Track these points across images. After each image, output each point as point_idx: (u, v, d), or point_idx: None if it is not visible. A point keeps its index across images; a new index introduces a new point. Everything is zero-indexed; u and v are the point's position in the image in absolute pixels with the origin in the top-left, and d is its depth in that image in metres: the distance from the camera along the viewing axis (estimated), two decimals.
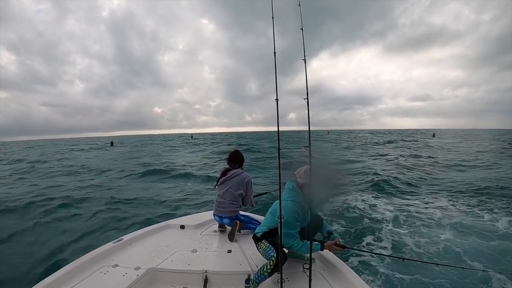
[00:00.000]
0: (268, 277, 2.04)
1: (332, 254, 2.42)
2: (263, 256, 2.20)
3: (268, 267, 2.04)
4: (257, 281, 2.05)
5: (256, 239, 2.30)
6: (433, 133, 59.61)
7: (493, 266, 4.10)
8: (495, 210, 6.66)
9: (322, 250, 2.12)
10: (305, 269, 1.58)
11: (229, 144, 39.62)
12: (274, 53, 1.87)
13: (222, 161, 17.69)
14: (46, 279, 2.02)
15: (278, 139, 1.84)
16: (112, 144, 39.94)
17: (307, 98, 1.88)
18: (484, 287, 3.60)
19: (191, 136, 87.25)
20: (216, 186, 3.24)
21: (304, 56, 2.03)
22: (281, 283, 1.61)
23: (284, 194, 2.19)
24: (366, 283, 2.00)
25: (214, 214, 3.21)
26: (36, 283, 1.97)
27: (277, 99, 1.90)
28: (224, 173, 3.17)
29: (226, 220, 3.11)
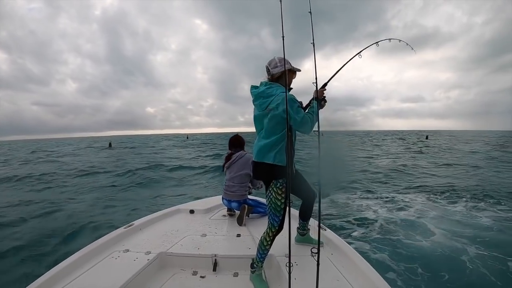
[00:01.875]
0: (270, 248, 1.99)
1: (341, 239, 2.44)
2: (268, 204, 1.97)
3: (268, 239, 1.97)
4: (261, 259, 1.99)
5: (279, 172, 1.91)
6: (426, 135, 60.13)
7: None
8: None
9: (322, 102, 1.98)
10: (313, 254, 1.58)
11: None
12: (283, 37, 1.82)
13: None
14: (58, 265, 2.07)
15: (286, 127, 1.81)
16: (110, 145, 38.47)
17: (316, 83, 1.85)
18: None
19: (187, 136, 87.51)
20: (223, 172, 3.31)
21: (313, 40, 1.98)
22: (289, 267, 1.62)
23: (270, 91, 1.94)
24: (374, 268, 2.01)
25: (222, 198, 3.28)
26: (49, 269, 2.01)
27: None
28: (228, 157, 3.24)
29: (234, 204, 3.15)
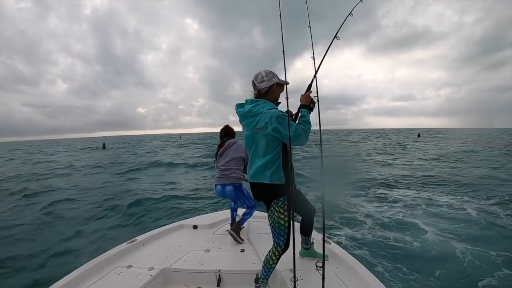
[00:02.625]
0: (275, 266, 1.96)
1: (346, 252, 2.40)
2: (271, 224, 1.92)
3: (274, 258, 1.93)
4: (266, 276, 1.97)
5: (280, 190, 1.84)
6: (418, 133, 61.43)
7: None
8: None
9: (311, 105, 1.95)
10: (318, 268, 1.56)
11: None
12: (283, 51, 1.86)
13: None
14: (60, 280, 2.05)
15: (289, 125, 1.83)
16: (104, 146, 38.41)
17: (317, 97, 1.88)
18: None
19: (180, 136, 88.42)
20: (215, 160, 3.31)
21: (313, 53, 2.00)
22: (294, 281, 1.60)
23: (256, 109, 1.86)
24: (380, 280, 1.98)
25: (216, 185, 3.21)
26: (51, 284, 1.99)
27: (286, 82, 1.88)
28: (221, 145, 3.25)
29: (229, 188, 3.11)
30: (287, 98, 1.82)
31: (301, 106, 1.96)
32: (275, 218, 1.87)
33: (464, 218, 6.06)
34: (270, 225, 1.95)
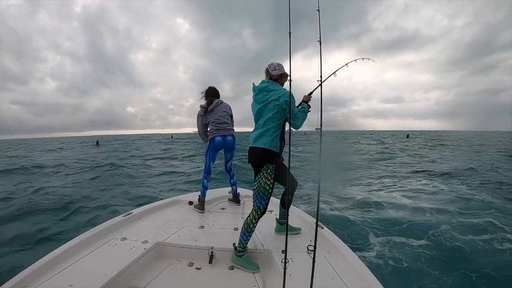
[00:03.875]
0: (254, 230, 2.18)
1: (337, 238, 2.44)
2: (256, 188, 2.15)
3: (254, 221, 2.15)
4: (246, 242, 2.17)
5: (272, 157, 2.13)
6: (407, 134, 62.59)
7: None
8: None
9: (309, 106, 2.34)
10: (310, 251, 1.59)
11: None
12: (289, 33, 1.81)
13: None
14: (56, 250, 2.08)
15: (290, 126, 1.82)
16: (97, 143, 39.19)
17: (321, 80, 1.86)
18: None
19: (171, 136, 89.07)
20: (202, 116, 3.37)
21: (320, 38, 2.00)
22: (285, 263, 1.63)
23: (271, 86, 2.21)
24: (368, 268, 2.02)
25: (214, 137, 3.29)
26: (46, 254, 2.03)
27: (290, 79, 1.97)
28: (210, 102, 3.35)
29: (229, 138, 3.33)
30: (290, 81, 1.99)
31: (303, 101, 2.38)
32: (262, 183, 2.12)
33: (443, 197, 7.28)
34: (254, 189, 2.17)
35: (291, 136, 1.87)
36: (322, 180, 1.67)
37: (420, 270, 3.65)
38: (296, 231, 2.64)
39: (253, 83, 2.34)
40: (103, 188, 8.98)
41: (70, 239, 2.26)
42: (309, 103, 2.37)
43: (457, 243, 4.28)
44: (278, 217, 2.70)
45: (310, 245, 1.61)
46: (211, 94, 3.44)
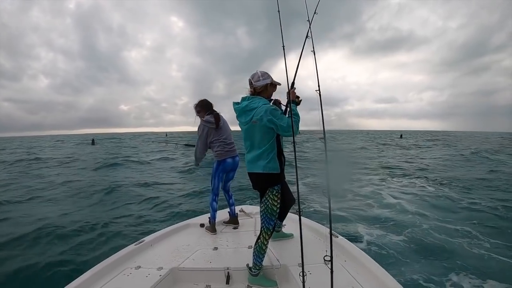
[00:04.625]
0: (266, 251, 2.12)
1: (353, 245, 2.40)
2: (263, 210, 2.08)
3: (266, 243, 2.10)
4: (261, 263, 2.12)
5: (275, 179, 2.03)
6: (401, 134, 63.22)
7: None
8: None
9: (297, 100, 2.13)
10: (326, 262, 1.56)
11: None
12: (283, 46, 1.86)
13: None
14: (72, 282, 2.07)
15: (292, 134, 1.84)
16: (93, 142, 38.82)
17: (319, 90, 1.88)
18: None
19: (166, 134, 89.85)
20: (213, 130, 3.10)
21: (313, 48, 2.05)
22: (303, 276, 1.60)
23: (252, 104, 2.04)
24: (388, 272, 1.98)
25: (225, 159, 3.11)
26: (64, 285, 2.01)
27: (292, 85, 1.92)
28: (217, 117, 3.10)
29: (237, 159, 3.25)
30: (289, 90, 2.02)
31: (288, 102, 2.12)
32: (269, 204, 2.05)
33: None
34: (261, 211, 2.10)
35: (295, 151, 1.85)
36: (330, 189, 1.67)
37: (397, 258, 4.17)
38: (289, 237, 2.77)
39: (233, 102, 2.20)
40: None
41: (84, 272, 2.25)
42: (295, 99, 2.13)
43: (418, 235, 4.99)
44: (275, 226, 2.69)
45: (326, 255, 1.59)
46: (210, 106, 3.20)
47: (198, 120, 3.19)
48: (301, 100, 2.17)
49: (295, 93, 2.14)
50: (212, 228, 3.17)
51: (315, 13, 2.29)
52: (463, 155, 19.01)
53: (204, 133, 3.08)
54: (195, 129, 3.25)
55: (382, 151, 24.37)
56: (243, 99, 2.13)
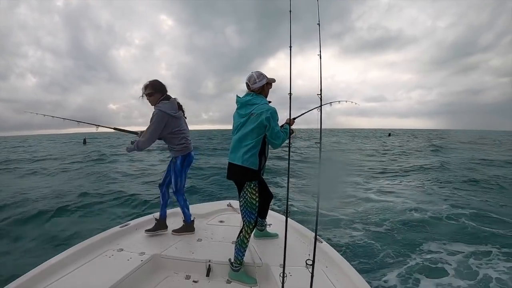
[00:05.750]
0: (247, 245, 2.17)
1: (336, 252, 2.42)
2: (243, 204, 2.13)
3: (247, 236, 2.14)
4: (242, 257, 2.15)
5: (251, 175, 2.09)
6: (389, 133, 63.00)
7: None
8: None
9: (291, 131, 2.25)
10: (308, 265, 1.57)
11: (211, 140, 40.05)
12: (290, 47, 1.84)
13: None
14: (52, 258, 2.07)
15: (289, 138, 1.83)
16: (84, 142, 39.14)
17: (320, 94, 1.87)
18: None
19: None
20: (174, 119, 2.66)
21: (320, 52, 2.03)
22: (283, 277, 1.61)
23: (254, 100, 2.14)
24: (368, 283, 1.99)
25: (189, 153, 2.81)
26: (42, 262, 2.01)
27: (290, 94, 1.96)
28: (180, 104, 2.76)
29: (193, 153, 2.91)
30: (290, 94, 1.98)
31: (286, 123, 2.31)
32: (248, 198, 2.12)
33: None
34: (241, 205, 2.17)
35: (290, 150, 1.86)
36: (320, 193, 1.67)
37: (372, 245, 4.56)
38: (274, 237, 2.78)
39: (237, 95, 2.28)
40: None
41: (66, 249, 2.24)
42: (292, 128, 2.28)
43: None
44: (257, 225, 2.72)
45: (308, 259, 1.59)
46: (165, 90, 2.70)
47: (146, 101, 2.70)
48: (294, 134, 2.29)
49: (294, 122, 2.39)
50: (191, 226, 2.89)
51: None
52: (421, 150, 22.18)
53: (164, 123, 2.56)
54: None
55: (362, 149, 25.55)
56: (247, 94, 2.23)
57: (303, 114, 2.67)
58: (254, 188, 2.11)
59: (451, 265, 3.93)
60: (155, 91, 2.63)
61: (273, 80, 2.27)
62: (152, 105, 2.65)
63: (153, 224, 2.81)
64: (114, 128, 2.84)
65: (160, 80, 2.72)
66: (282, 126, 2.28)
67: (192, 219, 2.91)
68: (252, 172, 2.09)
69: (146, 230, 2.75)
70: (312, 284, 1.51)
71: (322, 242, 2.56)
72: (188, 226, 2.87)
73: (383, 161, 16.01)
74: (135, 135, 2.78)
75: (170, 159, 2.85)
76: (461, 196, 7.57)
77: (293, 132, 2.27)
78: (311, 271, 1.55)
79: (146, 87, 2.63)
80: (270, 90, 2.30)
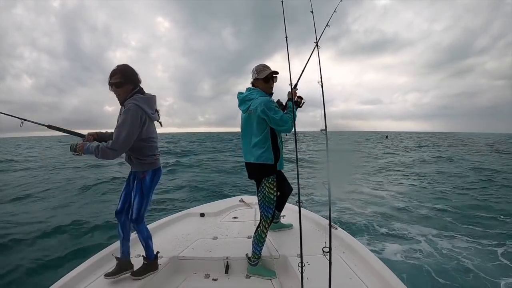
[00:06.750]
0: (265, 240, 2.17)
1: (352, 237, 2.42)
2: (261, 199, 2.15)
3: (265, 231, 2.14)
4: (260, 252, 2.16)
5: (268, 170, 2.10)
6: (386, 135, 64.96)
7: None
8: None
9: (299, 100, 2.19)
10: (325, 253, 1.57)
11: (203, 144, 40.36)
12: (286, 37, 1.83)
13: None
14: (72, 271, 2.08)
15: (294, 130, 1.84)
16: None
17: (321, 82, 1.86)
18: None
19: None
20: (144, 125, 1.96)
21: (316, 39, 2.03)
22: (302, 266, 1.61)
23: (251, 95, 2.16)
24: (386, 264, 1.99)
25: (160, 167, 2.14)
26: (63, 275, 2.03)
27: (291, 84, 2.01)
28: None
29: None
30: (290, 84, 2.08)
31: (288, 100, 2.22)
32: (266, 193, 2.12)
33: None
34: (259, 200, 2.18)
35: (297, 142, 1.86)
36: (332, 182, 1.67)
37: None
38: (288, 227, 2.83)
39: (239, 92, 2.29)
40: None
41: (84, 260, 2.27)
42: (295, 99, 2.15)
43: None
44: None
45: (325, 246, 1.59)
46: (137, 80, 1.98)
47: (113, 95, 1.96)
48: (304, 102, 2.22)
49: (296, 93, 2.22)
50: (155, 263, 2.15)
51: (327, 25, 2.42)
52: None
53: (141, 123, 1.89)
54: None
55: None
56: (246, 89, 2.25)
57: (302, 72, 2.38)
58: (271, 182, 2.11)
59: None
60: (125, 80, 1.90)
61: (276, 72, 2.22)
62: (119, 100, 1.95)
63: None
64: (49, 126, 2.06)
65: (134, 72, 1.96)
66: (286, 105, 2.27)
67: (153, 255, 2.17)
68: (269, 167, 2.10)
69: (105, 275, 1.99)
70: (331, 271, 1.52)
71: (337, 229, 2.57)
72: (151, 265, 2.12)
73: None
74: (81, 138, 2.07)
75: (129, 175, 2.14)
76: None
77: (300, 102, 2.19)
78: (328, 258, 1.55)
79: (113, 73, 1.89)
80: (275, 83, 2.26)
